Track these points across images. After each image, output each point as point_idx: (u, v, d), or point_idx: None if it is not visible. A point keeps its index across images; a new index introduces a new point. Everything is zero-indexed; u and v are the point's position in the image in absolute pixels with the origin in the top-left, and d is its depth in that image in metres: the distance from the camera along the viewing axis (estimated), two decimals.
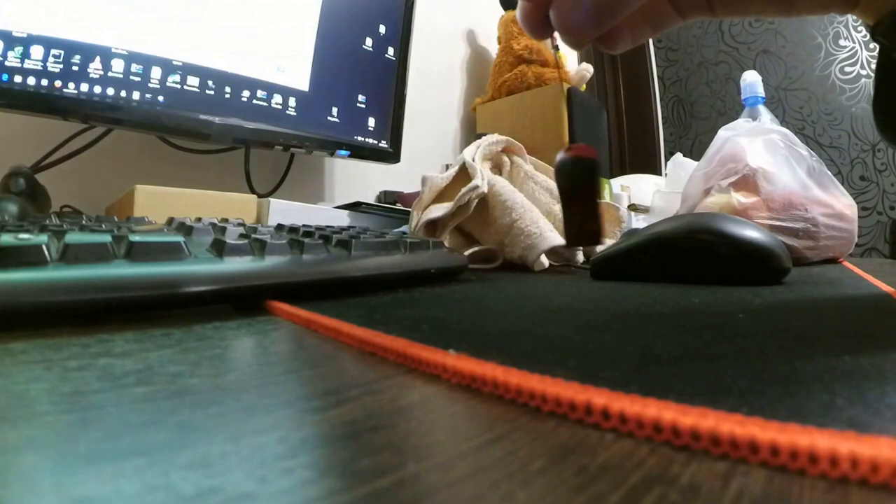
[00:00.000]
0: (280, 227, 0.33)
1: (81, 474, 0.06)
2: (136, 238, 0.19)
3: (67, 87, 0.46)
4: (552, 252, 0.43)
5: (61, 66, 0.45)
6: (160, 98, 0.51)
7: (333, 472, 0.07)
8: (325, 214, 0.58)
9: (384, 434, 0.08)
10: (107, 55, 0.48)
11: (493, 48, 1.29)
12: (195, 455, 0.07)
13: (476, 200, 0.43)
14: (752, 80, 0.69)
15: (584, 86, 1.25)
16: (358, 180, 0.88)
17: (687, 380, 0.10)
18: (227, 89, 0.56)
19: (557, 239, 0.41)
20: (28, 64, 0.44)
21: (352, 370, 0.12)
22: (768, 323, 0.17)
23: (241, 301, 0.21)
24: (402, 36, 0.75)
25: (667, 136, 1.87)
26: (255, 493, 0.06)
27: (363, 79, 0.70)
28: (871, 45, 2.05)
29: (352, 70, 0.69)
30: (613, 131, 1.76)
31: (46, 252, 0.17)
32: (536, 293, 0.27)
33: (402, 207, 0.64)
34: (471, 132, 1.23)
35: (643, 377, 0.11)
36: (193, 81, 0.53)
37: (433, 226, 0.45)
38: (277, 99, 0.60)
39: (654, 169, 1.64)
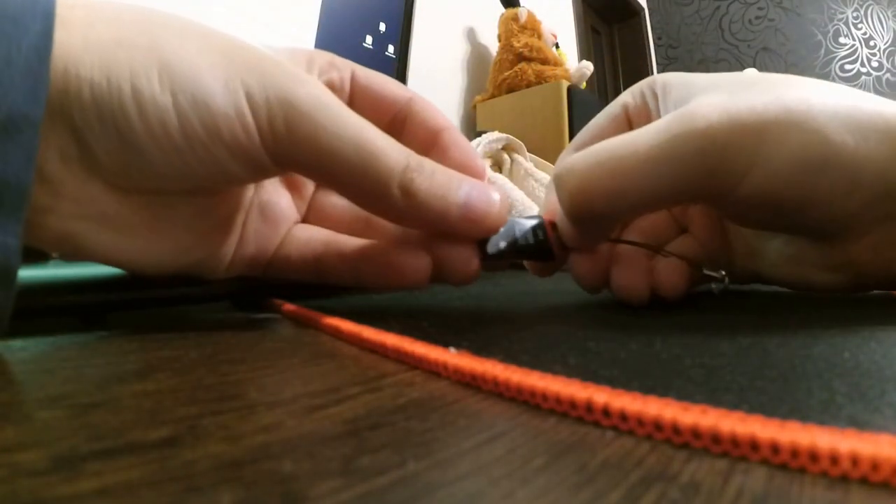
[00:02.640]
0: None
1: (80, 473, 0.06)
2: None
3: None
4: None
5: None
6: None
7: (333, 469, 0.07)
8: None
9: (384, 432, 0.08)
10: None
11: (494, 46, 1.29)
12: (194, 455, 0.07)
13: None
14: None
15: (585, 83, 1.25)
16: None
17: (687, 377, 0.10)
18: None
19: None
20: None
21: (352, 368, 0.12)
22: (768, 320, 0.17)
23: (242, 298, 0.21)
24: (402, 34, 0.75)
25: None
26: None
27: None
28: (871, 43, 2.05)
29: None
30: None
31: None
32: (536, 291, 0.27)
33: None
34: (471, 130, 1.22)
35: (644, 375, 0.11)
36: None
37: None
38: None
39: None
